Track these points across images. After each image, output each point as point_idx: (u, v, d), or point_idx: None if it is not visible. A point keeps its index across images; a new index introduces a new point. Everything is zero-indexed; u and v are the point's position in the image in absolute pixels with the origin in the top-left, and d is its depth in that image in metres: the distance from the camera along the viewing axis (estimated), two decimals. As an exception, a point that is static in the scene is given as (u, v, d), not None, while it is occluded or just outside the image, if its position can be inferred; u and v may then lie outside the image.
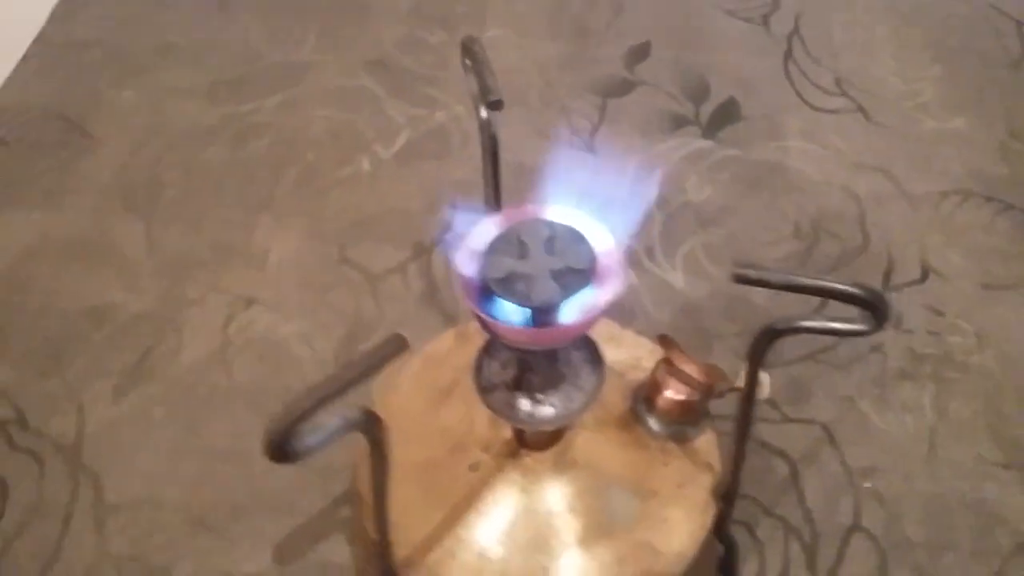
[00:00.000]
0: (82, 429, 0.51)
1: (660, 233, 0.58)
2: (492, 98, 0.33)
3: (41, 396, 0.52)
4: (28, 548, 0.47)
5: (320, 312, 0.55)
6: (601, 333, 0.44)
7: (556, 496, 0.39)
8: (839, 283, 0.28)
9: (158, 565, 0.46)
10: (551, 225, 0.31)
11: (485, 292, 0.31)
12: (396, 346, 0.27)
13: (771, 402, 0.51)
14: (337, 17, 0.73)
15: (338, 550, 0.47)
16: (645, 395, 0.41)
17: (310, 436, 0.27)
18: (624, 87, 0.66)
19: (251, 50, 0.71)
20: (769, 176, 0.61)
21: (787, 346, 0.53)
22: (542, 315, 0.30)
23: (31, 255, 0.58)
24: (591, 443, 0.40)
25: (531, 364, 0.35)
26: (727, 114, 0.64)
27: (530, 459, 0.39)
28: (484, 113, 0.35)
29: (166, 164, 0.63)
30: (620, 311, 0.54)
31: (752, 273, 0.28)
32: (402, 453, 0.41)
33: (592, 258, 0.31)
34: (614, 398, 0.41)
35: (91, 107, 0.67)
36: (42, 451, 0.50)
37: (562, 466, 0.39)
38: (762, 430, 0.50)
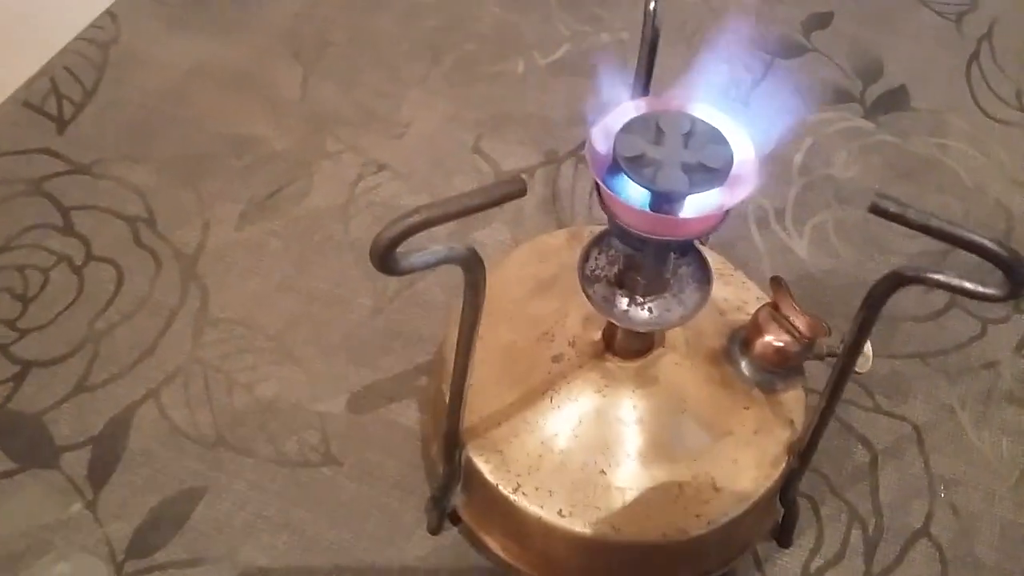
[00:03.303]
0: (203, 243, 0.53)
1: (795, 198, 0.56)
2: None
3: (174, 204, 0.55)
4: (128, 336, 0.50)
5: (442, 192, 0.56)
6: (712, 266, 0.44)
7: (630, 406, 0.39)
8: (979, 236, 0.26)
9: (241, 381, 0.49)
10: (693, 120, 0.31)
11: (612, 169, 0.31)
12: (516, 187, 0.27)
13: (866, 390, 0.49)
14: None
15: (408, 414, 0.48)
16: (743, 336, 0.40)
17: (415, 256, 0.28)
18: (796, 50, 0.64)
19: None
20: (922, 170, 0.58)
21: (897, 340, 0.51)
22: (663, 203, 0.30)
23: (197, 75, 0.61)
24: (678, 367, 0.40)
25: (639, 264, 0.35)
26: (895, 100, 0.62)
27: (613, 364, 0.39)
28: (652, 3, 0.34)
29: (337, 23, 0.65)
30: (734, 262, 0.53)
31: (892, 206, 0.27)
32: (490, 333, 0.42)
33: (728, 161, 0.30)
34: (710, 332, 0.41)
35: (281, -46, 0.69)
36: (162, 254, 0.53)
37: (643, 380, 0.39)
38: (851, 413, 0.48)
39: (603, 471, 0.38)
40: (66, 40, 0.62)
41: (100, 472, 0.46)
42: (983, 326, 0.52)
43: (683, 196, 0.30)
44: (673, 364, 0.39)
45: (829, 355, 0.39)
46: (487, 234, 0.55)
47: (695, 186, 0.30)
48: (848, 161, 0.58)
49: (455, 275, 0.53)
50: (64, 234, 0.53)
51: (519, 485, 0.38)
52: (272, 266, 0.53)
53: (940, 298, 0.53)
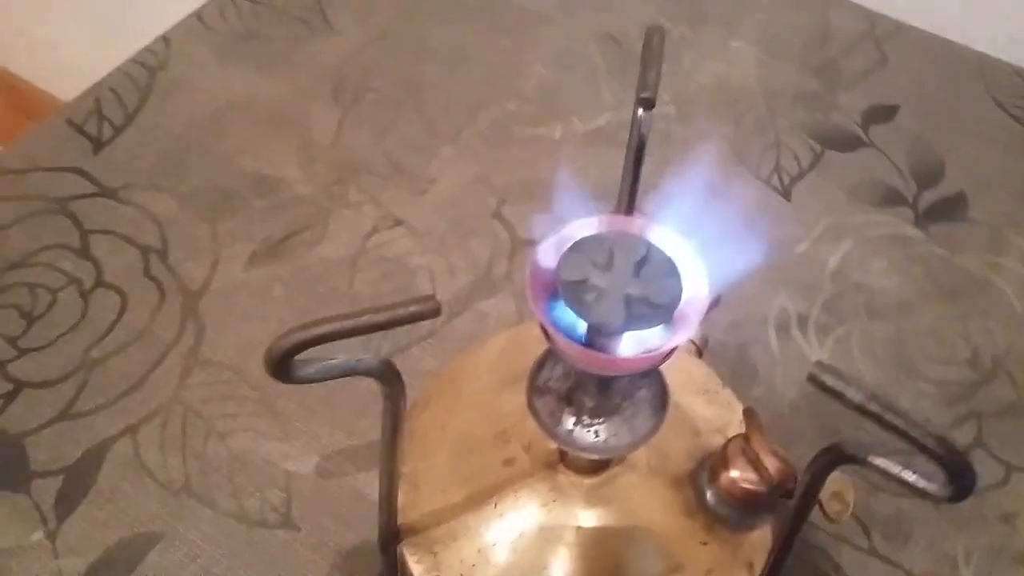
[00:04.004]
0: (209, 281, 0.54)
1: (822, 304, 0.53)
2: (644, 95, 0.31)
3: (189, 237, 0.55)
4: (120, 368, 0.50)
5: (456, 255, 0.55)
6: (697, 383, 0.42)
7: (574, 527, 0.36)
8: (921, 430, 0.24)
9: (218, 429, 0.48)
10: (650, 247, 0.29)
11: (551, 289, 0.29)
12: (427, 307, 0.26)
13: (864, 528, 0.46)
14: (594, -18, 0.71)
15: (374, 486, 0.46)
16: (711, 464, 0.38)
17: (315, 365, 0.27)
18: (850, 143, 0.61)
19: (500, -12, 0.70)
20: (968, 290, 0.54)
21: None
22: (596, 335, 0.28)
23: (235, 109, 0.62)
24: (636, 489, 0.37)
25: (587, 383, 0.33)
26: (950, 209, 0.58)
27: (565, 478, 0.37)
28: (639, 110, 0.32)
29: (380, 70, 0.64)
30: (744, 367, 0.50)
31: (830, 379, 0.24)
32: (453, 420, 0.41)
33: (675, 298, 0.28)
34: (680, 454, 0.38)
35: (341, -4, 0.69)
36: (168, 287, 0.53)
37: (595, 499, 0.37)
38: (843, 553, 0.45)
39: (536, 592, 0.35)
40: (119, 60, 0.64)
41: (67, 503, 0.46)
42: (1007, 472, 0.48)
43: (618, 331, 0.28)
44: (630, 485, 0.37)
45: (804, 497, 0.36)
46: (492, 304, 0.53)
47: (633, 321, 0.28)
48: (887, 270, 0.55)
49: (450, 343, 0.51)
50: (79, 256, 0.54)
51: (446, 594, 0.36)
52: (272, 312, 0.53)
53: (967, 434, 0.49)
